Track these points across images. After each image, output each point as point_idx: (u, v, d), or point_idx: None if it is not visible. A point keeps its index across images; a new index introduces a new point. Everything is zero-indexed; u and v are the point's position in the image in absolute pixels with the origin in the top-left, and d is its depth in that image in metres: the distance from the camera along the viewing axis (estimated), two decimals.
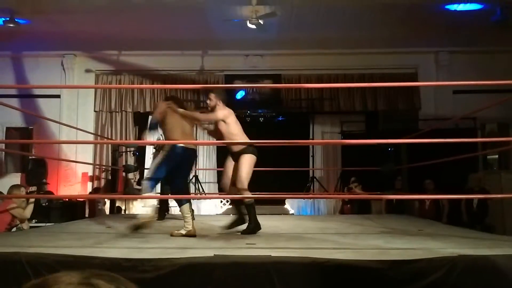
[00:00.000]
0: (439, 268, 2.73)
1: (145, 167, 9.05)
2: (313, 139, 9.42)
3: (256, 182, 7.73)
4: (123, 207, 8.01)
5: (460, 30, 8.52)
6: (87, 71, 9.86)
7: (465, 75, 8.54)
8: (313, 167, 9.41)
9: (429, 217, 6.58)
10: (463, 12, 7.91)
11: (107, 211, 7.73)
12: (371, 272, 2.75)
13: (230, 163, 4.49)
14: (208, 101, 4.47)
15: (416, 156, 6.25)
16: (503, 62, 8.84)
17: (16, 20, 7.61)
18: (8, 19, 7.53)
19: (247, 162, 4.30)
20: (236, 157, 4.36)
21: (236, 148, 4.35)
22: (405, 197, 6.57)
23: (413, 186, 7.18)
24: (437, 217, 6.85)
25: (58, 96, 9.71)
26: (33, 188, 8.01)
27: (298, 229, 4.86)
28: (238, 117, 9.53)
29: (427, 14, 7.98)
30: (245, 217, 4.34)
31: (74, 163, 8.83)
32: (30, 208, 5.39)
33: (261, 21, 7.49)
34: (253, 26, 7.51)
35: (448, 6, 7.79)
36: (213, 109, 4.41)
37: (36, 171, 8.46)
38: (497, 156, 9.18)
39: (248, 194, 4.24)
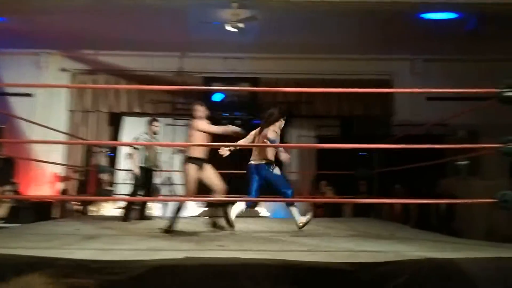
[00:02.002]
0: (407, 271, 2.79)
1: (118, 168, 8.96)
2: (289, 142, 9.48)
3: (230, 185, 7.79)
4: (94, 208, 7.88)
5: (435, 39, 8.72)
6: (63, 70, 9.72)
7: (439, 82, 8.76)
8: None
9: (398, 221, 6.69)
10: (438, 21, 8.10)
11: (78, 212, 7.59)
12: (342, 274, 2.78)
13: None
14: (197, 113, 4.67)
15: (389, 161, 6.35)
16: (476, 70, 9.06)
17: None
18: None
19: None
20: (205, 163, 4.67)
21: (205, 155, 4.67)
22: (376, 201, 6.66)
23: (383, 191, 7.28)
24: (405, 221, 6.97)
25: (31, 95, 9.52)
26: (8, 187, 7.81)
27: (271, 231, 4.87)
28: (215, 119, 9.62)
29: (403, 22, 8.13)
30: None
31: (46, 163, 8.64)
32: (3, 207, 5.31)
33: (241, 25, 7.50)
34: (233, 29, 7.51)
35: (423, 15, 7.96)
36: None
37: (3, 170, 8.27)
38: (467, 162, 9.38)
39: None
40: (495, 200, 3.64)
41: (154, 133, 5.89)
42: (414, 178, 7.11)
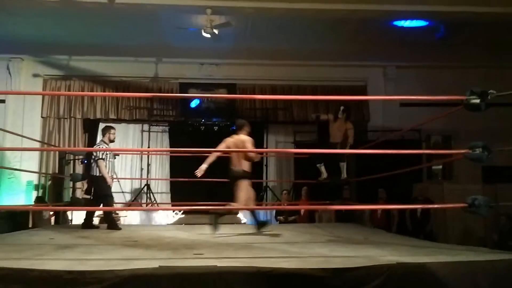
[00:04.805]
0: (378, 276, 2.84)
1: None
2: (267, 148, 9.52)
3: (208, 191, 7.76)
4: (69, 217, 7.74)
5: (407, 46, 8.92)
6: (35, 75, 9.53)
7: (411, 89, 8.93)
8: (266, 176, 9.48)
9: (380, 225, 6.76)
10: (410, 29, 8.30)
11: (53, 221, 7.43)
12: (314, 280, 2.80)
13: None
14: None
15: (365, 166, 6.43)
16: (446, 77, 9.30)
17: None
18: None
19: None
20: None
21: None
22: (344, 207, 6.76)
23: (364, 195, 7.33)
24: (387, 225, 7.06)
25: (2, 101, 9.31)
26: None
27: (248, 238, 4.86)
28: (193, 125, 9.58)
29: (376, 29, 8.30)
30: None
31: (19, 172, 8.44)
32: None
33: (216, 31, 7.52)
34: (208, 35, 7.53)
35: (396, 22, 8.15)
36: None
37: None
38: (441, 167, 9.59)
39: None
40: (465, 204, 3.70)
41: (111, 140, 5.88)
42: (392, 182, 7.20)
